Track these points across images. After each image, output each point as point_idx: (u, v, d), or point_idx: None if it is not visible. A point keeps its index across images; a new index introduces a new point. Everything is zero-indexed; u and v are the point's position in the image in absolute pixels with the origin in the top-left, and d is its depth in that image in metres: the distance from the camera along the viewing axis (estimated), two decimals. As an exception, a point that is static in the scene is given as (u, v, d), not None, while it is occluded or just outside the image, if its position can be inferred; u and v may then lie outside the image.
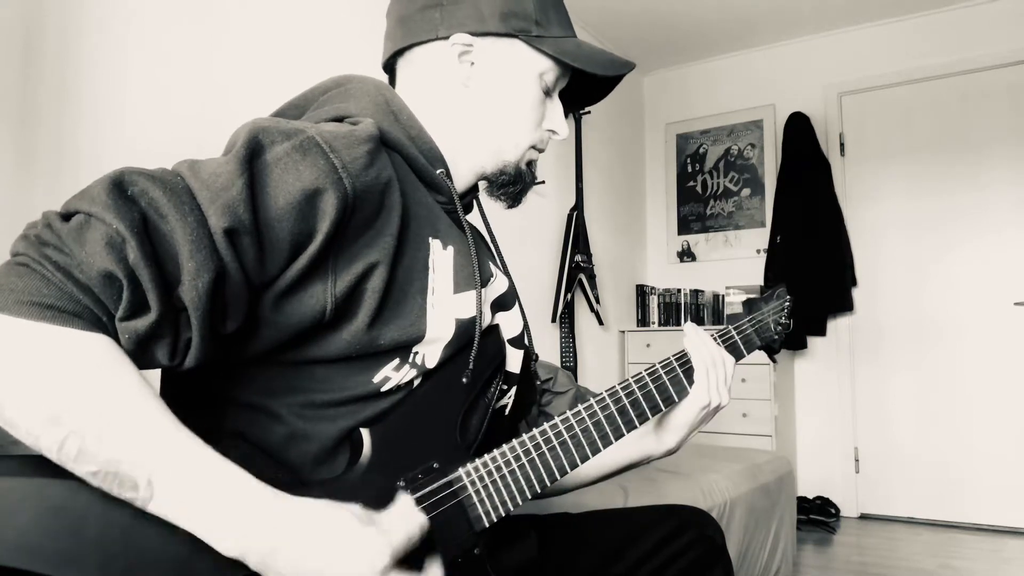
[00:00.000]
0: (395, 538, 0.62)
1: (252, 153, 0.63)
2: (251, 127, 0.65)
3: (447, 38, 0.82)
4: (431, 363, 0.75)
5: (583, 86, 0.93)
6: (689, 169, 4.38)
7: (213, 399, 0.70)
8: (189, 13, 1.92)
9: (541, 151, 0.89)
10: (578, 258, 3.42)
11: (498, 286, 0.86)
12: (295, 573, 0.57)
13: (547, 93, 0.86)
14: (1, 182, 1.51)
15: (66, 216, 0.57)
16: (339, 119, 0.77)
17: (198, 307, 0.58)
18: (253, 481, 0.58)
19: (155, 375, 0.74)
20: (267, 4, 2.14)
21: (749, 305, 1.05)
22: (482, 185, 0.90)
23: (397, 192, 0.71)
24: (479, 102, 0.84)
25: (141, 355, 0.58)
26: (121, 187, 0.58)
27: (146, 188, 0.58)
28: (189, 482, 0.55)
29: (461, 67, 0.82)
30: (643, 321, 4.12)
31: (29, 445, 0.53)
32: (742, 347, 0.99)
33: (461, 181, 0.87)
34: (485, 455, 0.76)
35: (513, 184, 0.87)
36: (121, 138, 1.73)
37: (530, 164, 0.89)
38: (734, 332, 0.99)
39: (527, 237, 3.31)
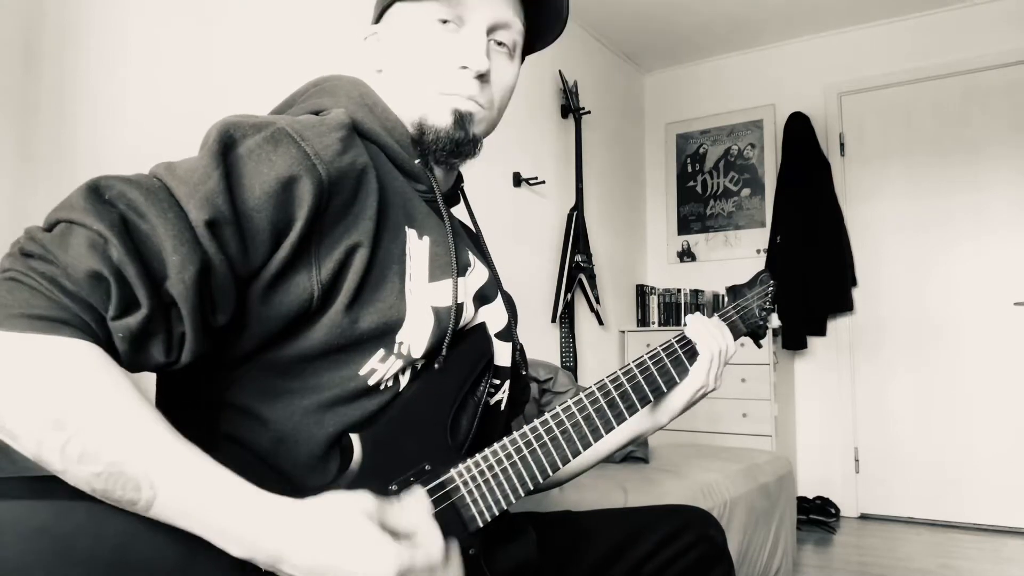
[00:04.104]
0: (413, 555, 0.60)
1: (225, 147, 0.64)
2: (221, 124, 0.66)
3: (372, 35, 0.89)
4: (417, 353, 0.74)
5: (536, 24, 0.88)
6: (689, 169, 4.38)
7: (207, 404, 0.70)
8: (188, 13, 1.92)
9: (468, 98, 0.81)
10: (578, 258, 3.42)
11: (477, 276, 0.86)
12: (308, 569, 0.57)
13: (455, 29, 0.80)
14: (2, 182, 1.51)
15: (48, 228, 0.58)
16: (314, 113, 0.78)
17: (187, 299, 0.59)
18: (250, 485, 0.58)
19: (151, 384, 0.74)
20: (267, 4, 2.14)
21: (733, 292, 1.05)
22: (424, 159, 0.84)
23: (374, 178, 0.72)
24: (391, 74, 0.85)
25: (137, 353, 0.58)
26: (98, 192, 0.59)
27: (123, 191, 0.59)
28: (192, 480, 0.55)
29: (376, 51, 0.87)
30: (643, 321, 4.12)
31: (31, 456, 0.53)
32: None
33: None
34: (477, 454, 0.76)
35: (437, 141, 0.81)
36: (121, 138, 1.73)
37: (462, 119, 0.81)
38: (719, 320, 1.00)
39: (527, 237, 3.31)
